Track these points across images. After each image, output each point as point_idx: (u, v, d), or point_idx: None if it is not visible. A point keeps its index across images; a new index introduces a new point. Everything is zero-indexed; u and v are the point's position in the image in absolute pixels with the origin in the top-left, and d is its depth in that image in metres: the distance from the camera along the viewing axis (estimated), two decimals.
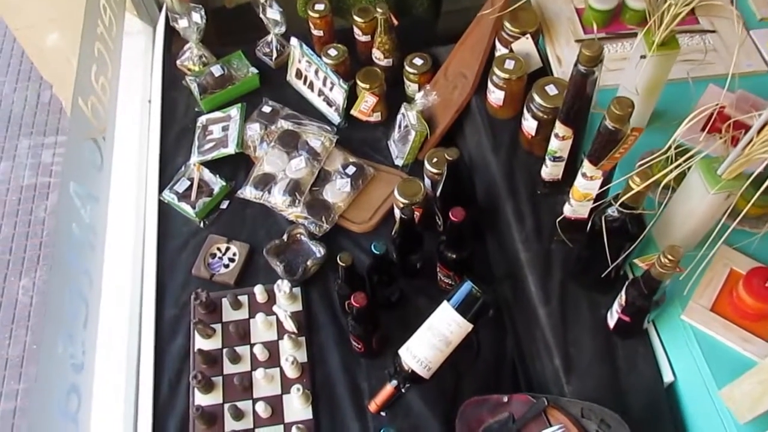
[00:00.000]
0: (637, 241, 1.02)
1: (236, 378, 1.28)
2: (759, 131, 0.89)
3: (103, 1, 1.52)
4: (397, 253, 1.35)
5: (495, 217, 1.39)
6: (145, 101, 1.75)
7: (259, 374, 1.27)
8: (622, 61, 1.36)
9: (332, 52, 1.65)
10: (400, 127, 1.58)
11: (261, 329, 1.35)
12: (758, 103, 1.24)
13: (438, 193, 1.34)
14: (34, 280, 2.59)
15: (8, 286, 2.59)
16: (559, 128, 1.14)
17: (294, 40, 1.68)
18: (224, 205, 1.55)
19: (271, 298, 1.39)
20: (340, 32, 1.75)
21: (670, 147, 0.95)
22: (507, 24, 1.40)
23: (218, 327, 1.36)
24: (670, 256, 0.92)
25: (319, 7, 1.67)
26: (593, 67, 1.02)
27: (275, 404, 1.27)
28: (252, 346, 1.33)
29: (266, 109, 1.67)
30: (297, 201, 1.50)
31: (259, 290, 1.37)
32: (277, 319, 1.36)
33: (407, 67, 1.60)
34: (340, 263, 1.21)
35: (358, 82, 1.59)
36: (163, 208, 1.55)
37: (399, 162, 1.58)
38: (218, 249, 1.47)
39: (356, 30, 1.69)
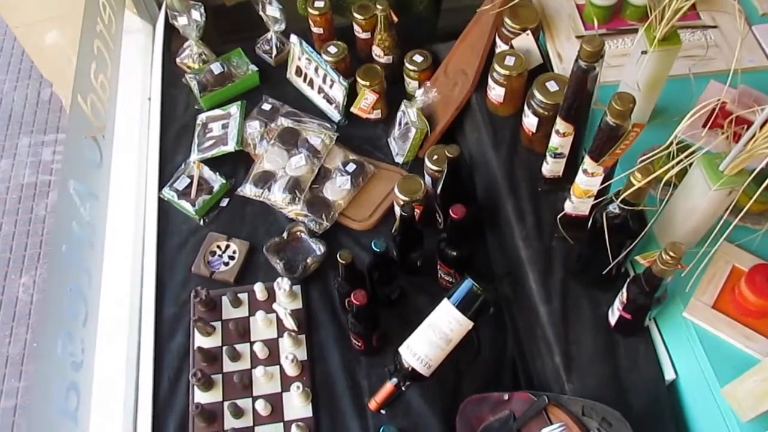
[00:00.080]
0: (639, 238, 1.01)
1: (236, 376, 1.28)
2: (761, 126, 0.89)
3: None
4: (397, 251, 1.34)
5: (495, 214, 1.39)
6: (144, 99, 1.74)
7: (258, 372, 1.27)
8: (622, 58, 1.35)
9: (332, 49, 1.65)
10: (400, 124, 1.58)
11: (261, 327, 1.35)
12: (761, 98, 1.23)
13: (438, 191, 1.34)
14: (34, 278, 2.59)
15: (9, 284, 2.59)
16: (560, 125, 1.13)
17: (294, 38, 1.67)
18: (224, 202, 1.55)
19: (271, 296, 1.39)
20: (339, 29, 1.74)
21: (671, 143, 0.94)
22: (507, 20, 1.39)
23: (218, 325, 1.36)
24: (671, 253, 0.91)
25: (319, 4, 1.66)
26: (594, 63, 1.01)
27: (275, 402, 1.26)
28: (252, 343, 1.32)
29: (266, 106, 1.67)
30: (297, 198, 1.49)
31: (259, 288, 1.37)
32: (277, 317, 1.35)
33: (407, 64, 1.60)
34: (340, 261, 1.21)
35: (358, 79, 1.58)
36: (163, 206, 1.54)
37: (399, 159, 1.58)
38: (218, 247, 1.46)
39: (356, 27, 1.68)
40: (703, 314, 1.07)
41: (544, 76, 1.27)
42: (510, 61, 1.35)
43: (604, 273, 1.09)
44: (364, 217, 1.50)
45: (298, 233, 1.46)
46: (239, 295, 1.38)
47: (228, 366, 1.31)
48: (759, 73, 1.34)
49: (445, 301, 1.14)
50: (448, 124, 1.53)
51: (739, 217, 0.96)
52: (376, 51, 1.65)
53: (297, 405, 1.26)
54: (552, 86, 1.26)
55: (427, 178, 1.43)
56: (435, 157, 1.40)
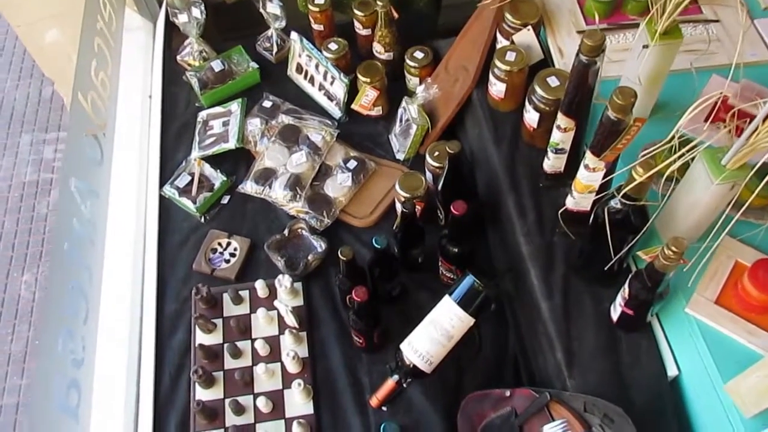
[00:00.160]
0: (641, 233, 1.00)
1: (237, 373, 1.28)
2: (764, 120, 0.88)
3: None
4: (398, 248, 1.34)
5: (497, 210, 1.38)
6: (145, 97, 1.74)
7: (260, 369, 1.27)
8: (623, 53, 1.34)
9: (333, 46, 1.64)
10: (401, 121, 1.58)
11: (262, 324, 1.35)
12: (763, 92, 1.22)
13: (439, 187, 1.33)
14: (36, 276, 2.60)
15: (11, 282, 2.59)
16: (561, 120, 1.13)
17: (294, 35, 1.67)
18: (225, 200, 1.55)
19: (272, 293, 1.38)
20: (340, 26, 1.74)
21: (673, 137, 0.94)
22: (508, 16, 1.39)
23: (219, 322, 1.36)
24: (674, 248, 0.90)
25: (319, 1, 1.66)
26: (595, 57, 1.01)
27: (276, 399, 1.26)
28: (253, 341, 1.32)
29: (267, 103, 1.66)
30: (298, 196, 1.49)
31: (260, 285, 1.37)
32: (278, 314, 1.35)
33: (408, 61, 1.59)
34: (341, 257, 1.20)
35: (359, 76, 1.58)
36: (164, 204, 1.54)
37: (400, 156, 1.58)
38: (219, 244, 1.46)
39: (357, 24, 1.68)
40: (705, 310, 1.06)
41: (545, 72, 1.27)
42: (511, 56, 1.34)
43: (605, 269, 1.08)
44: (365, 214, 1.49)
45: (299, 230, 1.46)
46: (240, 292, 1.38)
47: (229, 363, 1.31)
48: (761, 67, 1.33)
49: (446, 297, 1.14)
50: (449, 120, 1.52)
51: (741, 211, 0.95)
52: (377, 47, 1.65)
53: (298, 402, 1.26)
54: (553, 81, 1.25)
55: (428, 175, 1.43)
56: (436, 153, 1.39)
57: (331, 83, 1.63)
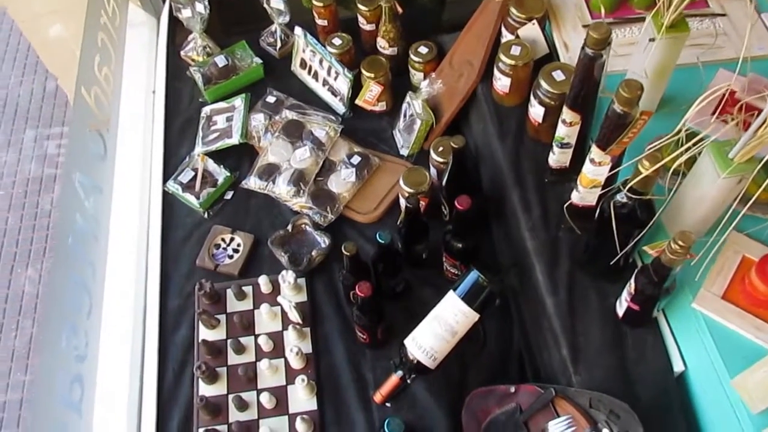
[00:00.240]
0: (647, 228, 1.00)
1: (240, 369, 1.27)
2: None
3: None
4: (402, 243, 1.33)
5: (501, 205, 1.38)
6: (149, 92, 1.74)
7: (263, 365, 1.27)
8: (630, 47, 1.33)
9: (336, 41, 1.64)
10: (405, 116, 1.57)
11: (265, 320, 1.35)
12: None
13: (444, 182, 1.32)
14: (40, 272, 2.60)
15: (15, 277, 2.60)
16: (567, 114, 1.12)
17: (298, 30, 1.67)
18: (228, 195, 1.54)
19: (276, 289, 1.38)
20: (344, 21, 1.73)
21: (680, 130, 0.93)
22: (513, 10, 1.38)
23: (222, 318, 1.35)
24: (680, 242, 0.90)
25: None
26: (601, 50, 1.00)
27: (280, 395, 1.26)
28: (256, 336, 1.32)
29: (270, 99, 1.66)
30: (302, 191, 1.48)
31: (263, 281, 1.36)
32: (282, 310, 1.35)
33: (412, 56, 1.59)
34: (345, 253, 1.20)
35: (363, 71, 1.57)
36: (167, 199, 1.54)
37: (404, 151, 1.57)
38: (222, 239, 1.46)
39: (360, 19, 1.67)
40: (712, 305, 1.06)
41: (551, 66, 1.26)
42: (516, 50, 1.33)
43: (611, 264, 1.08)
44: (369, 210, 1.49)
45: (303, 226, 1.46)
46: (244, 287, 1.38)
47: (233, 359, 1.31)
48: None
49: (450, 293, 1.13)
50: (453, 115, 1.51)
51: (748, 205, 0.94)
52: (381, 43, 1.64)
53: (302, 398, 1.26)
54: (558, 76, 1.24)
55: (433, 170, 1.42)
56: (440, 148, 1.38)
57: (335, 78, 1.62)
